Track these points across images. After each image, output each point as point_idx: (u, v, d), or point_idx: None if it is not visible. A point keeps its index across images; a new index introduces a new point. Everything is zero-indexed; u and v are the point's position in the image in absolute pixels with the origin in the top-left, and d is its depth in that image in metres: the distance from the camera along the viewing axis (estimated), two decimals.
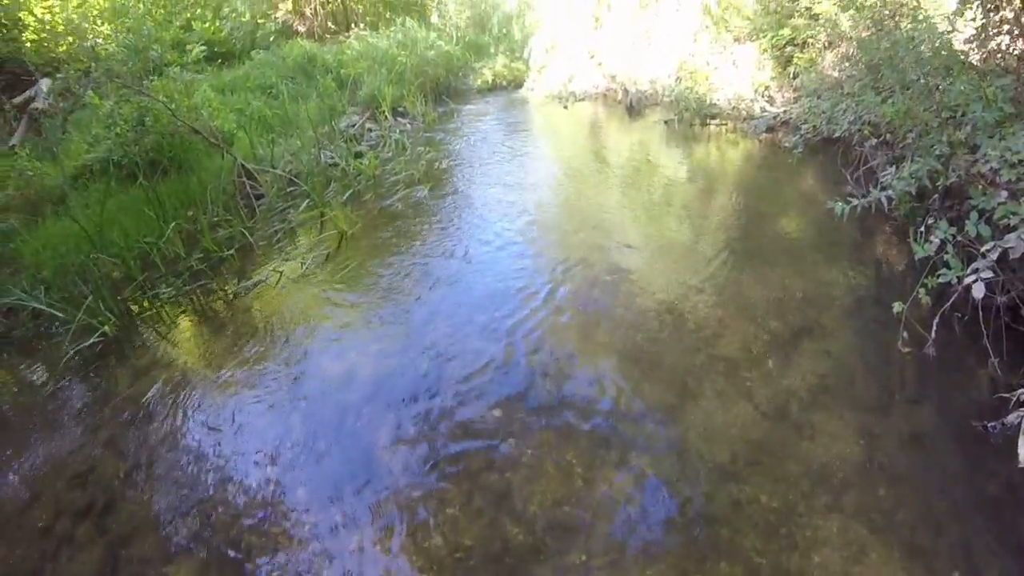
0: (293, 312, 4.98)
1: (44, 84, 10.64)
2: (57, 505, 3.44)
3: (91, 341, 4.97)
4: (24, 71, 10.95)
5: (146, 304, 5.59)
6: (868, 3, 7.06)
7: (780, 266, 5.08)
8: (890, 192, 4.47)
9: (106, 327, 5.07)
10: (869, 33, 7.07)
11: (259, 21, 16.03)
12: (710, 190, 7.11)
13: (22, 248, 6.31)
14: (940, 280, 3.52)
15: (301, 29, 17.13)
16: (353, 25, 17.76)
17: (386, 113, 11.15)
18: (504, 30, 18.39)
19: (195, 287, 5.74)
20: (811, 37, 9.07)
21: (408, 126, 11.10)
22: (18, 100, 10.58)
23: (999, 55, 5.35)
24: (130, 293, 5.73)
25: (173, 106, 7.49)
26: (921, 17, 5.54)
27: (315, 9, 17.77)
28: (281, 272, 5.65)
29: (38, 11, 11.69)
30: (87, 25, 13.33)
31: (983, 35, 5.40)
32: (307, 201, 7.11)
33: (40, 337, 5.37)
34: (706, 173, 7.78)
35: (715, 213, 6.32)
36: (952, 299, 3.78)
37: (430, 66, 14.24)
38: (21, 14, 11.04)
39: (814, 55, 8.97)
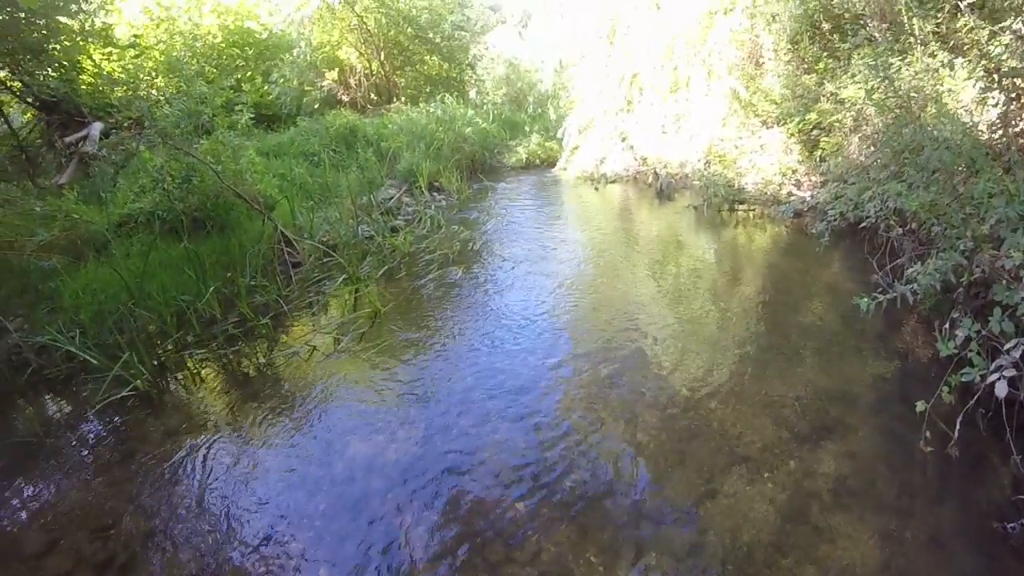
0: (324, 388, 5.11)
1: (96, 128, 11.11)
2: (78, 555, 3.53)
3: (123, 394, 5.13)
4: (78, 112, 11.47)
5: (179, 363, 5.78)
6: (893, 87, 7.26)
7: (804, 360, 5.16)
8: (915, 286, 4.50)
9: (139, 381, 5.23)
10: (893, 119, 7.33)
11: (306, 88, 16.75)
12: (737, 279, 7.25)
13: (62, 289, 6.54)
14: (963, 379, 3.55)
15: (345, 99, 17.88)
16: (395, 98, 18.51)
17: (423, 188, 11.57)
18: (540, 110, 19.34)
19: (229, 351, 5.91)
20: (837, 121, 9.26)
21: (444, 202, 11.52)
22: (69, 139, 11.05)
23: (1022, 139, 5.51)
24: (164, 349, 5.93)
25: (219, 168, 7.86)
26: (944, 103, 5.82)
27: (359, 80, 18.58)
28: (314, 347, 5.81)
29: (96, 56, 12.36)
30: (142, 76, 14.06)
31: (1005, 121, 5.59)
32: (343, 276, 7.35)
33: (72, 380, 5.57)
34: (733, 261, 7.93)
35: (741, 303, 6.43)
36: (976, 396, 3.80)
37: (467, 143, 14.93)
38: (81, 57, 11.65)
39: (840, 139, 9.14)
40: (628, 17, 14.49)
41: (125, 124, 11.32)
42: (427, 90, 19.59)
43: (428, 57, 20.15)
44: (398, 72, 19.49)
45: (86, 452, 4.53)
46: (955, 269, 4.51)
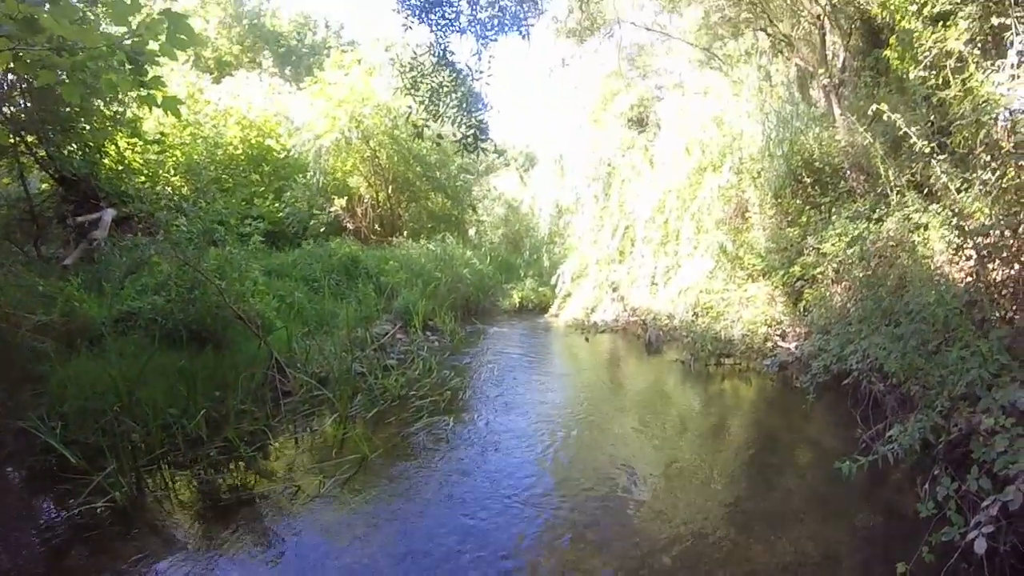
0: (304, 532, 5.08)
1: (108, 215, 11.32)
2: None
3: (99, 505, 5.07)
4: (93, 194, 11.73)
5: (160, 479, 5.74)
6: (869, 240, 7.83)
7: (788, 523, 5.17)
8: (895, 446, 4.70)
9: (117, 494, 5.18)
10: (870, 272, 7.82)
11: (314, 212, 17.32)
12: (722, 436, 7.36)
13: (50, 374, 6.55)
14: (943, 538, 3.68)
15: (350, 226, 18.44)
16: (398, 231, 19.14)
17: (417, 327, 11.81)
18: (535, 255, 19.88)
19: (212, 476, 5.89)
20: (820, 273, 9.55)
21: (437, 343, 11.70)
22: (81, 219, 11.23)
23: (998, 291, 5.84)
24: (146, 463, 5.88)
25: (223, 285, 8.06)
26: (918, 254, 6.24)
27: (366, 210, 19.26)
28: (299, 486, 5.78)
29: (121, 144, 12.82)
30: (161, 172, 14.53)
31: (978, 275, 5.98)
32: (334, 415, 7.41)
33: (48, 475, 5.48)
34: (719, 417, 8.05)
35: (726, 462, 6.50)
36: (959, 550, 3.84)
37: (463, 283, 15.33)
38: (106, 142, 12.09)
39: (823, 290, 9.40)
40: (623, 171, 15.48)
41: (138, 217, 11.67)
42: (429, 225, 20.28)
43: (432, 194, 20.96)
44: (403, 206, 20.22)
45: (52, 557, 4.42)
46: (934, 428, 4.77)
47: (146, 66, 3.83)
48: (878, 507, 5.35)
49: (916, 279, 6.50)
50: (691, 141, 13.66)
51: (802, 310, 9.97)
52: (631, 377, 10.41)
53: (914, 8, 8.10)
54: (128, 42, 3.64)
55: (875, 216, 8.79)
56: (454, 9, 10.25)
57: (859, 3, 11.83)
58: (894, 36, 8.88)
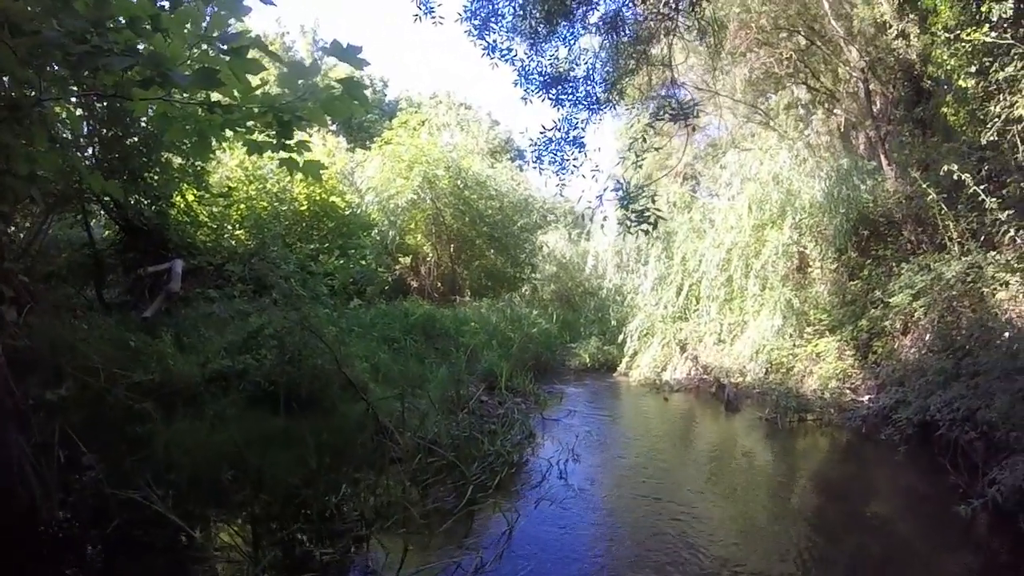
0: None
1: (178, 265, 11.07)
2: None
3: None
4: (162, 244, 11.53)
5: (300, 559, 5.14)
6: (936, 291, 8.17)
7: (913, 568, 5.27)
8: (1000, 487, 5.10)
9: None
10: (939, 320, 8.18)
11: (380, 271, 17.12)
12: (824, 491, 7.49)
13: (152, 437, 6.09)
14: None
15: (414, 284, 18.23)
16: (459, 291, 18.93)
17: (502, 388, 11.38)
18: (600, 313, 19.68)
19: (357, 556, 5.31)
20: (888, 326, 9.73)
21: (523, 405, 11.23)
22: (152, 270, 10.99)
23: None
24: (278, 541, 5.29)
25: (332, 346, 7.66)
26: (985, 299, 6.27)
27: (429, 269, 19.06)
28: (457, 563, 5.15)
29: (189, 196, 12.73)
30: (227, 225, 14.43)
31: None
32: (461, 483, 6.85)
33: (163, 550, 4.94)
34: (816, 473, 8.26)
35: (841, 516, 6.58)
36: None
37: (533, 343, 15.05)
38: (175, 193, 11.98)
39: (892, 343, 9.63)
40: (683, 229, 15.51)
41: (207, 267, 11.46)
42: (487, 284, 20.22)
43: (491, 253, 20.87)
44: (464, 265, 20.03)
45: None
46: None
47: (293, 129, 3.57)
48: (992, 546, 5.54)
49: (988, 327, 7.04)
50: (752, 198, 13.65)
51: (872, 363, 10.09)
52: (721, 437, 10.48)
53: (973, 69, 8.55)
54: (284, 103, 3.44)
55: (937, 267, 9.07)
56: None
57: (900, 56, 12.17)
58: (950, 95, 9.58)
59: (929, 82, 11.62)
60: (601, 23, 10.80)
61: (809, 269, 12.95)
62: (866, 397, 9.73)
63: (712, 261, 13.96)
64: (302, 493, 5.83)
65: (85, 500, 5.13)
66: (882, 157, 12.45)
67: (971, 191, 8.62)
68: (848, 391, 10.28)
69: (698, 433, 10.82)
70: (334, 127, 24.86)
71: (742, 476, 8.17)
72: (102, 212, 11.29)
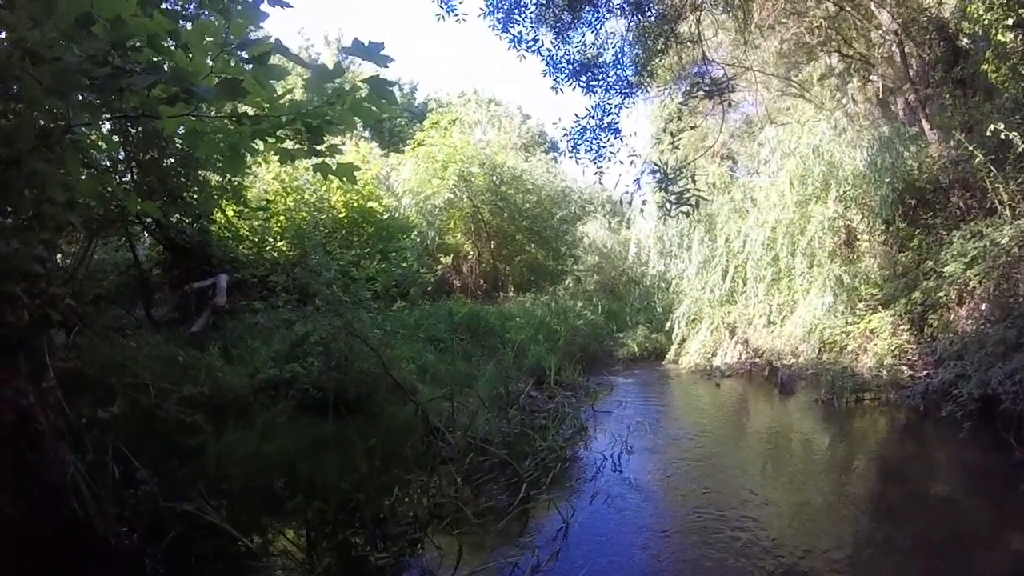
0: None
1: (223, 280, 11.23)
2: None
3: None
4: (205, 260, 11.71)
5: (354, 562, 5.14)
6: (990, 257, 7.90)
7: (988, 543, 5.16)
8: None
9: None
10: (995, 292, 7.95)
11: (422, 272, 17.18)
12: (888, 472, 7.43)
13: (204, 448, 6.14)
14: None
15: (457, 284, 18.26)
16: (501, 287, 18.91)
17: (550, 383, 11.33)
18: (645, 301, 19.63)
19: (418, 557, 5.28)
20: (943, 297, 9.46)
21: (572, 398, 11.14)
22: (197, 286, 11.17)
23: None
24: (333, 545, 5.29)
25: (378, 350, 7.66)
26: None
27: (471, 267, 19.07)
28: (515, 563, 5.08)
29: (228, 212, 12.90)
30: (267, 237, 14.60)
31: None
32: (514, 480, 6.77)
33: (222, 558, 4.98)
34: (877, 455, 8.16)
35: (909, 496, 6.45)
36: None
37: (579, 335, 15.13)
38: (215, 211, 12.13)
39: (948, 315, 9.37)
40: (724, 209, 15.24)
41: (251, 279, 11.60)
42: (529, 278, 20.19)
43: (531, 247, 20.85)
44: (505, 260, 20.02)
45: None
46: None
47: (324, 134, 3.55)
48: None
49: None
50: (792, 173, 13.36)
51: (928, 337, 9.93)
52: (776, 422, 10.23)
53: (1011, 21, 8.24)
54: (311, 109, 3.43)
55: (990, 233, 8.79)
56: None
57: (933, 15, 11.86)
58: (988, 51, 9.07)
59: (966, 40, 11.21)
60: (625, 5, 10.73)
61: (857, 243, 12.70)
62: (924, 373, 9.54)
63: (757, 241, 13.74)
64: (354, 497, 5.85)
65: (141, 514, 5.16)
66: (923, 121, 12.13)
67: (1020, 150, 8.37)
68: (905, 367, 10.06)
69: (752, 419, 10.69)
70: (366, 133, 25.04)
71: (800, 461, 8.05)
72: (145, 233, 11.51)
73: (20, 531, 4.17)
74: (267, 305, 10.39)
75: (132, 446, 5.57)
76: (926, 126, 11.98)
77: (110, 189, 5.91)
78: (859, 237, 12.60)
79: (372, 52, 3.23)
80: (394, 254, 17.15)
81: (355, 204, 17.74)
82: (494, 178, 18.50)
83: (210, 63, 3.27)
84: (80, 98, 3.64)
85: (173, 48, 3.18)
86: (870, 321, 11.17)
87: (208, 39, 3.29)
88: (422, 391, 8.68)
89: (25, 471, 4.33)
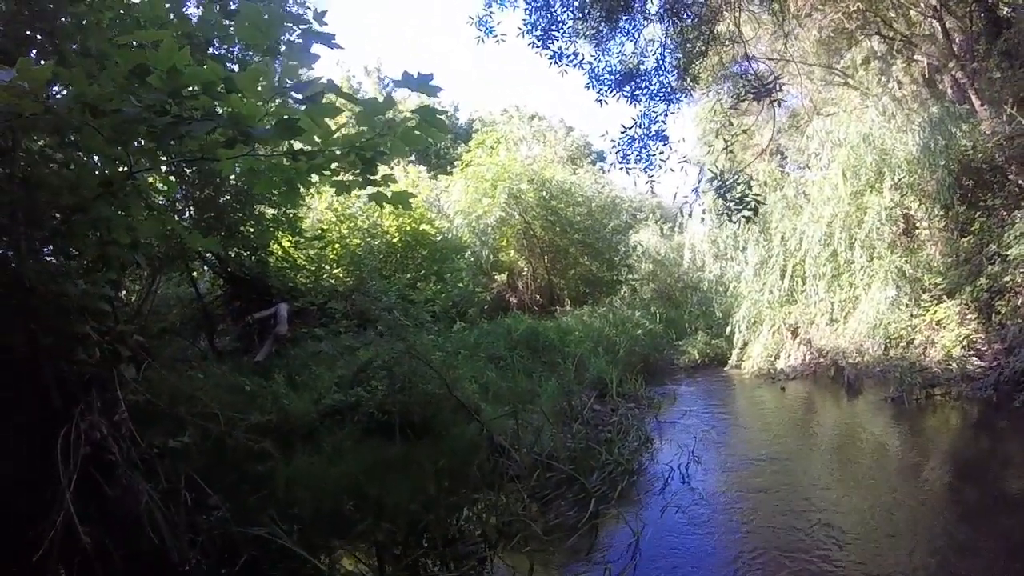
0: None
1: (284, 308, 11.47)
2: None
3: None
4: (264, 290, 11.98)
5: None
6: None
7: None
8: None
9: None
10: None
11: (478, 290, 17.29)
12: (969, 472, 7.14)
13: (273, 474, 6.23)
14: None
15: (513, 300, 18.29)
16: (556, 301, 18.87)
17: (613, 395, 11.31)
18: (704, 307, 19.35)
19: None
20: (1010, 281, 9.18)
21: (636, 409, 11.05)
22: (259, 316, 11.44)
23: None
24: (404, 568, 5.32)
25: (442, 371, 7.73)
26: None
27: (527, 283, 19.09)
28: None
29: (285, 243, 13.17)
30: (324, 265, 14.87)
31: None
32: (582, 496, 6.74)
33: None
34: (952, 454, 7.87)
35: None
36: None
37: (639, 345, 15.02)
38: (271, 242, 12.40)
39: (1017, 300, 9.09)
40: (777, 210, 14.89)
41: (311, 307, 11.81)
42: (585, 291, 20.18)
43: (585, 259, 20.82)
44: (560, 274, 20.05)
45: None
46: None
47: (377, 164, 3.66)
48: None
49: None
50: (844, 164, 13.06)
51: (997, 324, 9.60)
52: (845, 423, 9.95)
53: None
54: (364, 141, 3.53)
55: None
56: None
57: None
58: None
59: (1006, 8, 11.01)
60: (662, 10, 10.74)
61: (916, 231, 12.41)
62: (995, 362, 9.30)
63: (813, 237, 13.48)
64: (423, 518, 5.92)
65: (214, 539, 5.30)
66: (973, 98, 11.71)
67: None
68: (974, 358, 9.78)
69: (820, 421, 10.43)
70: (412, 158, 25.36)
71: (871, 463, 7.83)
72: (205, 268, 11.88)
73: (97, 559, 4.28)
74: (328, 332, 10.56)
75: (203, 474, 5.71)
76: (976, 102, 11.58)
77: (170, 227, 6.07)
78: (918, 225, 12.30)
79: (422, 83, 3.33)
80: (449, 275, 17.29)
81: (408, 228, 17.97)
82: (544, 193, 18.62)
83: (265, 106, 3.36)
84: (139, 144, 3.76)
85: (227, 94, 3.28)
86: (936, 312, 10.89)
87: (262, 83, 3.42)
88: (485, 410, 8.74)
89: (101, 501, 4.46)
